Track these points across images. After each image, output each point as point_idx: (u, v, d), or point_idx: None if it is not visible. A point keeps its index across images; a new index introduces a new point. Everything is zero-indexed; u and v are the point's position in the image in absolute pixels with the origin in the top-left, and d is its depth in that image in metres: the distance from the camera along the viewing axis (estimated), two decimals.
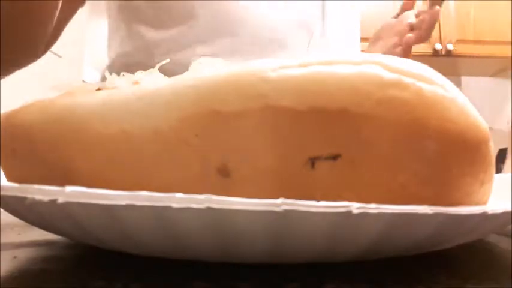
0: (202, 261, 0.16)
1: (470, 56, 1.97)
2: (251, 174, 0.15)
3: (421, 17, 0.64)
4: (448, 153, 0.15)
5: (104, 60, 0.62)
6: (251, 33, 0.54)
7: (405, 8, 0.70)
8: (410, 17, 0.67)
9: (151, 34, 0.54)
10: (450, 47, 1.99)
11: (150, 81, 0.19)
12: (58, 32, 0.49)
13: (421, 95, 0.15)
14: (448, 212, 0.13)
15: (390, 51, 0.65)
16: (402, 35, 0.65)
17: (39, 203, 0.13)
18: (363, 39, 0.67)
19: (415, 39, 0.63)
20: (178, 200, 0.12)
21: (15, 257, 0.18)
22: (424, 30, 0.63)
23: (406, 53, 0.63)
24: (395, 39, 0.66)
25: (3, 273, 0.16)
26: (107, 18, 0.61)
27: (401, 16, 0.69)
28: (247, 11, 0.54)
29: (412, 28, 0.65)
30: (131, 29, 0.56)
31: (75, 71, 1.71)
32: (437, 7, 0.61)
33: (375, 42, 0.70)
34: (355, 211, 0.12)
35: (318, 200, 0.12)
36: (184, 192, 0.12)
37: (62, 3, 0.41)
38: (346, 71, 0.15)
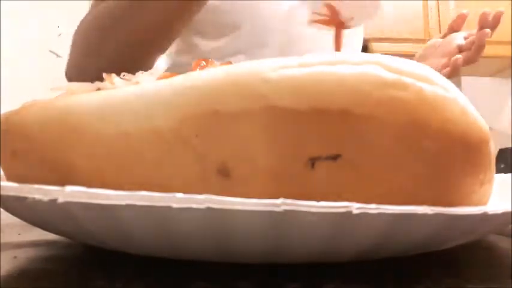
0: (202, 261, 0.16)
1: None
2: (251, 174, 0.15)
3: (470, 39, 0.64)
4: (448, 154, 0.15)
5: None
6: (287, 45, 0.56)
7: (453, 28, 0.69)
8: (459, 38, 0.67)
9: (203, 44, 0.59)
10: None
11: (150, 81, 0.19)
12: None
13: (422, 95, 0.15)
14: (448, 212, 0.13)
15: (438, 72, 0.64)
16: (451, 56, 0.64)
17: (39, 203, 0.13)
18: (364, 40, 0.67)
19: (464, 61, 0.62)
20: (178, 200, 0.12)
21: (15, 257, 0.18)
22: (473, 52, 0.62)
23: (454, 74, 0.63)
24: (444, 60, 0.65)
25: (3, 273, 0.16)
26: None
27: (449, 37, 0.69)
28: (285, 23, 0.56)
29: (461, 50, 0.65)
30: (187, 40, 0.60)
31: None
32: (487, 30, 0.61)
33: (421, 62, 0.69)
34: (355, 211, 0.12)
35: (318, 200, 0.12)
36: (184, 192, 0.12)
37: None
38: (346, 71, 0.15)
